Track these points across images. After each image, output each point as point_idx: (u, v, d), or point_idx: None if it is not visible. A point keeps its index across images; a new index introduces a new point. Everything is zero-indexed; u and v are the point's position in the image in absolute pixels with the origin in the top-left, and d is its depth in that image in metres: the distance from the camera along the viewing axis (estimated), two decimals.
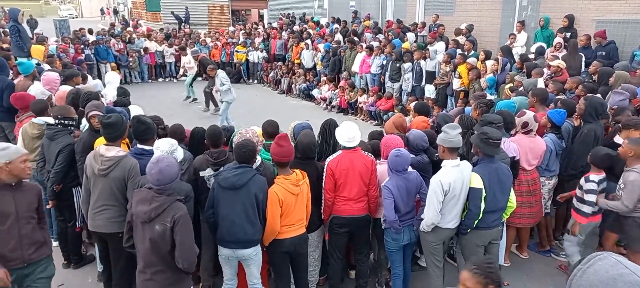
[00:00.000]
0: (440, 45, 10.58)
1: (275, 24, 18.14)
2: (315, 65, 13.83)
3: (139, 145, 3.82)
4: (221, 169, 3.53)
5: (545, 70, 7.24)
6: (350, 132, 3.82)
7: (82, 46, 14.05)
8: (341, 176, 3.78)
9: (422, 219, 3.71)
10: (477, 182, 3.57)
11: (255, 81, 16.06)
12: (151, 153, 3.60)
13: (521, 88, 6.40)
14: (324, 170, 3.83)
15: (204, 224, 3.77)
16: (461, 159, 3.67)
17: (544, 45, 8.80)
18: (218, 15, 25.75)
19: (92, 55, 14.04)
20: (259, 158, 3.64)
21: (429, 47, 10.58)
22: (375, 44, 11.77)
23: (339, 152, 3.86)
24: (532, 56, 8.47)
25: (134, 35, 16.25)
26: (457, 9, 12.17)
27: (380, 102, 10.68)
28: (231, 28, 19.87)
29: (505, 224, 4.33)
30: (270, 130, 4.20)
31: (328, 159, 3.86)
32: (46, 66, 8.01)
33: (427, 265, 3.94)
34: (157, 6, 25.47)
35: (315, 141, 4.04)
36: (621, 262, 1.25)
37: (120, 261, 3.83)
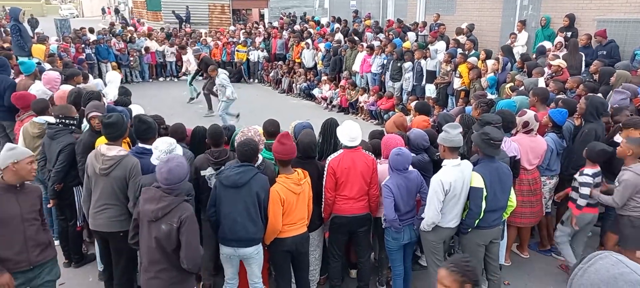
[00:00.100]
0: (440, 45, 10.58)
1: (276, 23, 18.14)
2: (315, 65, 13.84)
3: (140, 144, 3.83)
4: (223, 168, 3.53)
5: (546, 69, 7.24)
6: (353, 131, 3.83)
7: (83, 45, 14.07)
8: (343, 175, 3.78)
9: (422, 218, 3.71)
10: (478, 181, 3.57)
11: (256, 80, 16.06)
12: (152, 152, 3.60)
13: (522, 87, 6.40)
14: (325, 169, 3.84)
15: (205, 223, 3.77)
16: (462, 158, 3.67)
17: (549, 44, 8.76)
18: (219, 15, 25.76)
19: (93, 55, 14.06)
20: (260, 157, 3.65)
21: (429, 46, 10.58)
22: (376, 43, 11.77)
23: (340, 151, 3.87)
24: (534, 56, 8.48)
25: (135, 35, 16.26)
26: (458, 9, 12.16)
27: (381, 101, 10.68)
28: (232, 27, 19.88)
29: (506, 223, 4.34)
30: (271, 129, 4.21)
31: (329, 158, 3.86)
32: (47, 65, 8.01)
33: (428, 264, 3.95)
34: (157, 5, 25.48)
35: (315, 140, 4.05)
36: (622, 261, 1.25)
37: (121, 260, 3.84)
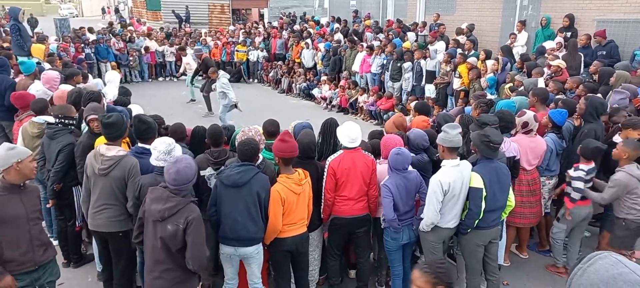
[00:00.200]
0: (440, 45, 10.59)
1: (275, 23, 18.15)
2: (315, 65, 13.84)
3: (140, 144, 3.83)
4: (223, 167, 3.53)
5: (545, 69, 7.24)
6: (353, 132, 3.83)
7: (82, 45, 14.07)
8: (343, 175, 3.78)
9: (421, 219, 3.71)
10: (478, 181, 3.57)
11: (256, 80, 16.06)
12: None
13: (521, 88, 6.40)
14: (325, 169, 3.84)
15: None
16: (461, 159, 3.67)
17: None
18: (218, 14, 25.78)
19: (92, 54, 14.06)
20: (260, 157, 3.65)
21: (429, 46, 10.58)
22: (375, 43, 11.77)
23: (340, 152, 3.87)
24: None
25: (134, 35, 16.27)
26: (458, 9, 12.17)
27: (381, 101, 10.68)
28: (231, 27, 19.88)
29: (505, 224, 4.34)
30: (271, 129, 4.21)
31: (329, 159, 3.86)
32: (47, 65, 8.01)
33: None
34: (157, 5, 25.49)
35: (315, 140, 4.05)
36: (621, 261, 1.25)
37: (120, 260, 3.84)
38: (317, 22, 16.74)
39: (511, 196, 3.86)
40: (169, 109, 11.00)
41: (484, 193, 3.58)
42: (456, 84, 9.20)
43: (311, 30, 15.38)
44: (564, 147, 4.81)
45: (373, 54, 11.43)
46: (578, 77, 6.55)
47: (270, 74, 15.19)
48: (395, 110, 9.98)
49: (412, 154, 3.97)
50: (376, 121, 10.76)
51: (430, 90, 9.98)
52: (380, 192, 3.82)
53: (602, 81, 6.29)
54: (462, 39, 10.37)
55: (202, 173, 3.81)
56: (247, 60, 16.09)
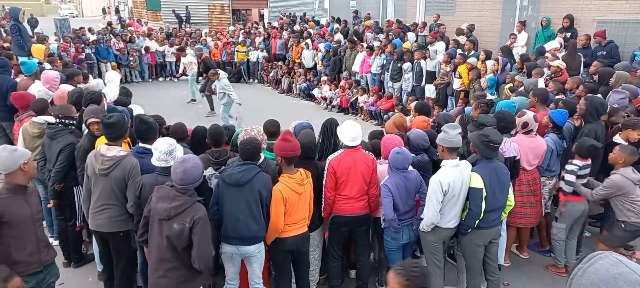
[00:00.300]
0: (440, 45, 10.58)
1: (275, 24, 18.15)
2: (315, 65, 13.84)
3: (141, 144, 3.83)
4: (225, 166, 3.53)
5: (545, 70, 7.24)
6: (353, 131, 3.83)
7: (82, 45, 14.07)
8: (343, 175, 3.78)
9: (421, 219, 3.72)
10: (478, 181, 3.57)
11: (256, 81, 16.06)
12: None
13: (521, 88, 6.40)
14: (325, 169, 3.84)
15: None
16: (461, 159, 3.67)
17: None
18: (218, 15, 25.79)
19: (92, 55, 14.05)
20: (261, 156, 3.65)
21: (429, 46, 10.58)
22: (375, 43, 11.77)
23: (340, 151, 3.87)
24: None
25: (135, 35, 16.27)
26: (458, 9, 12.17)
27: (381, 101, 10.68)
28: (231, 27, 19.88)
29: (505, 223, 4.34)
30: (272, 129, 4.21)
31: (329, 158, 3.87)
32: (47, 65, 8.01)
33: (427, 264, 3.94)
34: (157, 5, 25.50)
35: (315, 141, 4.06)
36: (622, 261, 1.25)
37: (121, 260, 3.84)
38: (317, 23, 16.75)
39: (511, 196, 3.87)
40: (169, 109, 11.00)
41: (484, 194, 3.59)
42: (456, 84, 9.20)
43: (311, 31, 15.38)
44: (565, 147, 4.81)
45: (373, 54, 11.43)
46: (578, 78, 6.55)
47: (271, 74, 15.19)
48: (396, 111, 9.98)
49: (412, 154, 3.98)
50: (376, 121, 10.76)
51: (430, 91, 9.98)
52: (380, 192, 3.83)
53: (602, 81, 6.29)
54: (462, 39, 10.37)
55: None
56: (247, 60, 16.09)
